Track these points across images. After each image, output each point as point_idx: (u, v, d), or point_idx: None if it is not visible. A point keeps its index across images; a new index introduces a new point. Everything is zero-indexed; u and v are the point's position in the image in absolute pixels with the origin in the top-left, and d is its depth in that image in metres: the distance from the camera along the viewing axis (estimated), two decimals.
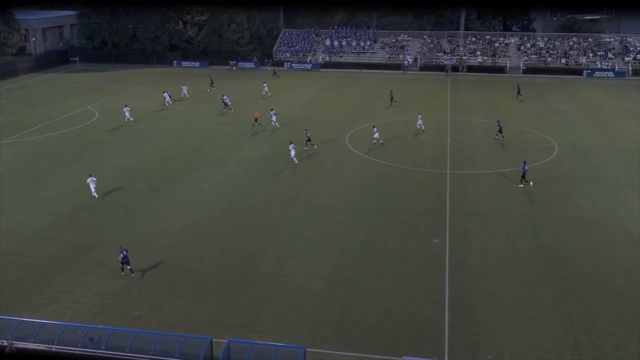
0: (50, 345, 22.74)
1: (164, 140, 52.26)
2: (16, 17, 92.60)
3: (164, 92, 66.69)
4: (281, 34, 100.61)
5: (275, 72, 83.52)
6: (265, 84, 71.99)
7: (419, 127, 54.39)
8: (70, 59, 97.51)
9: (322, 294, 27.27)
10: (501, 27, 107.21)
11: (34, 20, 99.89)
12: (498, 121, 53.09)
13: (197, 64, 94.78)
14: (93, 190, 38.96)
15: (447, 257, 30.78)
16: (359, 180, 42.09)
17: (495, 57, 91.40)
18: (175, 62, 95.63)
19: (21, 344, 22.86)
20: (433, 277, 28.84)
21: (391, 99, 66.03)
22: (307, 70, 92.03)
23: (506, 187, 40.57)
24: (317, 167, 44.96)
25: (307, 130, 49.84)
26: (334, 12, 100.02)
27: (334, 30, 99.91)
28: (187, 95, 69.83)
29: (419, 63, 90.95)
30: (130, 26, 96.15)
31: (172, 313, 25.88)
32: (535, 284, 28.08)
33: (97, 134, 54.22)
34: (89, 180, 39.15)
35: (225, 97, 63.79)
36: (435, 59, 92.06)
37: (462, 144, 51.01)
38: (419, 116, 55.06)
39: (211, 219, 35.76)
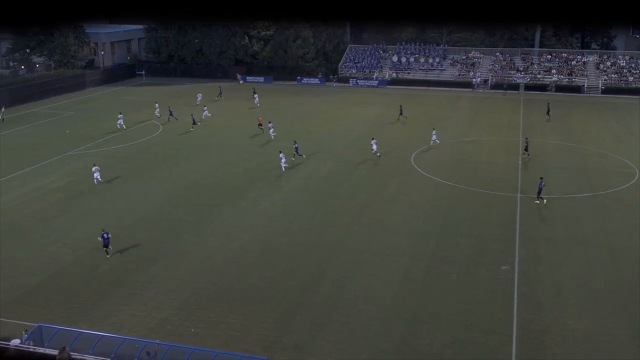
0: (106, 358, 22.66)
1: (226, 155, 52.45)
2: (86, 31, 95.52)
3: (156, 103, 68.23)
4: (347, 49, 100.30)
5: (220, 93, 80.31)
6: (256, 95, 74.71)
7: (432, 143, 54.22)
8: (137, 72, 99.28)
9: (383, 319, 26.36)
10: (579, 45, 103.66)
11: (103, 34, 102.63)
12: (526, 138, 52.11)
13: (261, 78, 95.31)
14: (95, 177, 43.65)
15: (515, 285, 29.24)
16: (424, 202, 40.88)
17: (571, 76, 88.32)
18: (240, 76, 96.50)
19: (79, 356, 22.85)
20: (500, 306, 27.46)
21: (400, 114, 65.84)
22: (372, 87, 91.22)
23: (582, 214, 38.60)
24: (381, 187, 43.99)
25: (295, 141, 50.62)
26: (403, 28, 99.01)
27: (401, 46, 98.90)
28: (201, 100, 73.76)
29: (489, 82, 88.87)
30: (196, 40, 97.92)
31: (229, 331, 25.53)
32: (613, 319, 26.28)
33: (160, 148, 54.89)
34: (93, 169, 44.04)
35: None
36: (507, 77, 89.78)
37: (535, 166, 48.94)
38: (434, 131, 54.78)
39: (271, 237, 35.30)
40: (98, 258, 32.37)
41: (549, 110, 67.13)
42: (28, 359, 22.06)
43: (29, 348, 23.02)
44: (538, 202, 39.80)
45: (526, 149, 50.71)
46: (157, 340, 23.39)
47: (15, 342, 22.94)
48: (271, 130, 57.24)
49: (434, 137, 54.42)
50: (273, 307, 27.36)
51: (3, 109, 65.82)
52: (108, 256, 32.16)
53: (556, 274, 30.48)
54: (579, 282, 29.61)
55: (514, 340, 24.76)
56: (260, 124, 59.48)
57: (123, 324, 25.90)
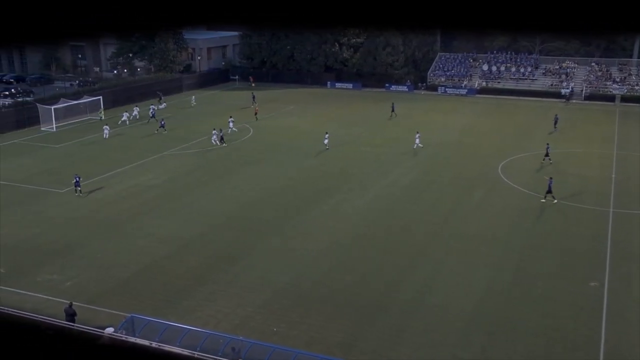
0: (193, 352, 23.48)
1: (312, 160, 53.22)
2: (185, 37, 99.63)
3: (150, 106, 71.20)
4: (437, 57, 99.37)
5: (160, 98, 79.93)
6: (193, 97, 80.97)
7: (415, 147, 55.48)
8: (231, 77, 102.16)
9: (462, 329, 26.03)
10: None
11: (200, 40, 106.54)
12: (547, 144, 51.29)
13: (350, 85, 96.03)
14: (105, 134, 58.22)
15: (604, 303, 28.15)
16: (510, 213, 40.01)
17: None
18: (329, 83, 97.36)
19: (167, 347, 23.85)
20: (587, 323, 26.55)
21: (392, 110, 70.09)
22: (461, 95, 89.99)
23: None
24: (466, 196, 43.40)
25: (221, 129, 57.94)
26: (494, 37, 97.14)
27: (492, 55, 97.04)
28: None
29: (583, 92, 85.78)
30: (288, 47, 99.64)
31: (309, 332, 25.85)
32: None
33: (250, 150, 56.29)
34: (104, 127, 58.46)
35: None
36: (603, 87, 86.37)
37: (630, 180, 46.84)
38: (417, 135, 55.94)
39: (353, 241, 35.52)
40: (186, 254, 33.63)
41: (556, 122, 65.21)
42: (120, 347, 23.31)
43: (121, 337, 24.35)
44: (544, 200, 41.09)
45: (547, 154, 50.56)
46: (241, 337, 23.85)
47: (109, 330, 24.22)
48: (231, 124, 61.37)
49: (417, 141, 55.61)
50: (352, 310, 27.54)
51: (101, 109, 69.67)
52: (80, 195, 41.76)
53: None
54: None
55: (601, 358, 23.87)
56: (256, 113, 68.37)
57: (208, 319, 26.67)
